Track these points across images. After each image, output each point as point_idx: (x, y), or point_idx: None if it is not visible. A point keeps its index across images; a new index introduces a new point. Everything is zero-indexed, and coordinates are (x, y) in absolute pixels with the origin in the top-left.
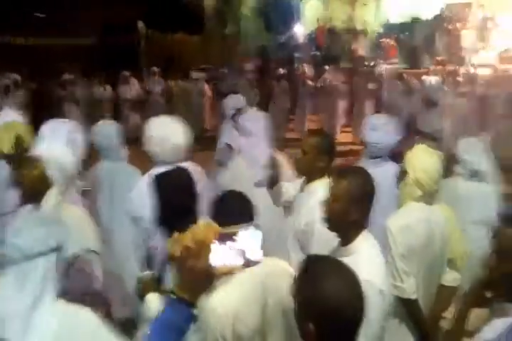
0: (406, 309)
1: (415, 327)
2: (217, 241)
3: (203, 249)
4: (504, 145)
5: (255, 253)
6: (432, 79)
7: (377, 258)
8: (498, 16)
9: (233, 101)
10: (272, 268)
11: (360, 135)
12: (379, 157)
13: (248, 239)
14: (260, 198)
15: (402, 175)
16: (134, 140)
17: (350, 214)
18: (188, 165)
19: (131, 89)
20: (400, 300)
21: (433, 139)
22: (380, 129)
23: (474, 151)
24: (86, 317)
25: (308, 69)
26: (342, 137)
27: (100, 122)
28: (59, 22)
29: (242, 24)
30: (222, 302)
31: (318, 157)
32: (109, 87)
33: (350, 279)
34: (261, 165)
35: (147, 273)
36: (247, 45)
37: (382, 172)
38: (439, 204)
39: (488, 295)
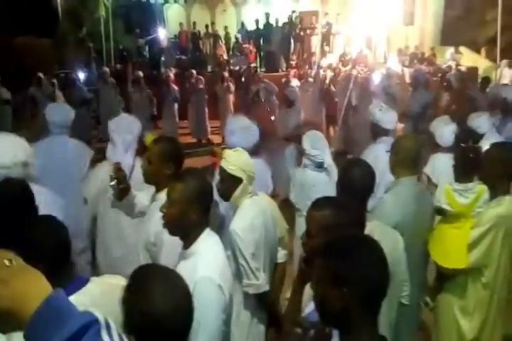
0: (260, 301)
1: (265, 316)
2: None
3: None
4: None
5: None
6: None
7: (217, 256)
8: (339, 23)
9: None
10: (103, 287)
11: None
12: None
13: None
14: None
15: (229, 186)
16: None
17: (188, 216)
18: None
19: None
20: (253, 295)
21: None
22: (236, 133)
23: (317, 145)
24: None
25: (172, 74)
26: (214, 138)
27: None
28: None
29: (99, 26)
30: None
31: (164, 165)
32: None
33: (175, 289)
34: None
35: None
36: (105, 48)
37: None
38: (260, 192)
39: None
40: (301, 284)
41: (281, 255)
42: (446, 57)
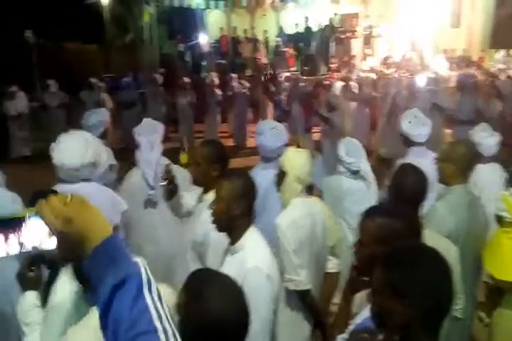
0: (302, 300)
1: (311, 316)
2: None
3: None
4: (387, 140)
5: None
6: (336, 85)
7: (264, 248)
8: (381, 26)
9: (95, 117)
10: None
11: None
12: (271, 159)
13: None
14: (154, 214)
15: (280, 177)
16: (22, 159)
17: (230, 212)
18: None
19: (18, 104)
20: (295, 292)
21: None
22: (266, 134)
23: (353, 152)
24: None
25: (215, 78)
26: (252, 142)
27: None
28: None
29: (144, 32)
30: None
31: (211, 166)
32: None
33: (236, 290)
34: (154, 178)
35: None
36: (150, 54)
37: (271, 174)
38: (314, 197)
39: (365, 278)
40: (351, 292)
41: (333, 264)
42: (496, 61)
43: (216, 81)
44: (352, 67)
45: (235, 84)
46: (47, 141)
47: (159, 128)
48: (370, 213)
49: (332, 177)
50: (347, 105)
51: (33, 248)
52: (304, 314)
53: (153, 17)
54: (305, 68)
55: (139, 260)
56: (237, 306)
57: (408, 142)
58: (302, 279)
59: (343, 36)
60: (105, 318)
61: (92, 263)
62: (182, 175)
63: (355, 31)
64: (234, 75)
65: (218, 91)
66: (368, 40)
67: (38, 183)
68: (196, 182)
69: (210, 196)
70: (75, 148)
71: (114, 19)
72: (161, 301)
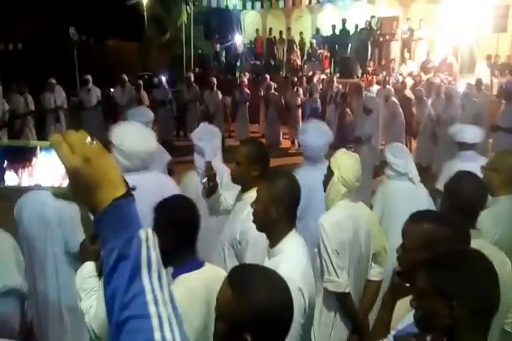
0: (340, 302)
1: (349, 320)
2: None
3: None
4: (424, 147)
5: (53, 178)
6: (371, 89)
7: (301, 258)
8: (422, 29)
9: (141, 115)
10: (213, 273)
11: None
12: (316, 159)
13: (49, 160)
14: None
15: (327, 177)
16: None
17: (270, 214)
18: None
19: (57, 97)
20: (334, 294)
21: (360, 143)
22: (311, 133)
23: (400, 155)
24: None
25: (247, 78)
26: (283, 143)
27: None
28: None
29: (181, 32)
30: None
31: (252, 166)
32: (28, 97)
33: (280, 285)
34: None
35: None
36: (186, 53)
37: (318, 175)
38: (360, 202)
39: (407, 284)
40: (393, 298)
41: (375, 272)
42: None
43: (246, 82)
44: (390, 71)
45: (267, 84)
46: None
47: (218, 132)
48: (415, 218)
49: (378, 179)
50: (382, 109)
51: (37, 185)
52: (341, 317)
53: (190, 17)
54: (340, 70)
55: (145, 233)
56: (282, 300)
57: (461, 146)
58: (342, 281)
59: (381, 39)
60: (104, 289)
61: (98, 224)
62: (224, 173)
63: (395, 34)
64: (267, 76)
65: (247, 92)
66: (407, 44)
67: None
68: (235, 180)
69: (249, 195)
70: (144, 135)
71: (154, 19)
72: (161, 283)
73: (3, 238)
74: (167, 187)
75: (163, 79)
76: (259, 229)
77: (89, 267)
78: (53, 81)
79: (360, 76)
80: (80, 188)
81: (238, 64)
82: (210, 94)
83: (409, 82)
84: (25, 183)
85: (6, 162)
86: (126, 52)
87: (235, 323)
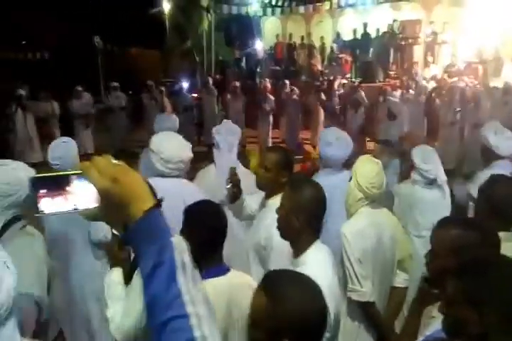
0: (364, 312)
1: (374, 329)
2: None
3: None
4: (448, 152)
5: (87, 201)
6: (394, 93)
7: (327, 270)
8: (446, 32)
9: (167, 124)
10: (237, 280)
11: (318, 149)
12: (334, 168)
13: (82, 186)
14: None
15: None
16: (85, 156)
17: (295, 224)
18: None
19: (84, 104)
20: (358, 303)
21: (389, 145)
22: (333, 144)
23: (429, 160)
24: None
25: (268, 84)
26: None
27: (56, 140)
28: (11, 35)
29: (202, 39)
30: None
31: (280, 173)
32: (56, 103)
33: (314, 290)
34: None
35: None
36: (207, 60)
37: (339, 180)
38: (384, 208)
39: (436, 291)
40: (421, 305)
41: (401, 279)
42: None
43: (269, 87)
44: (413, 75)
45: (287, 90)
46: (109, 140)
47: (237, 130)
48: (444, 224)
49: (403, 184)
50: (406, 113)
51: (75, 209)
52: (366, 326)
53: (211, 24)
54: (361, 75)
55: (177, 239)
56: (318, 305)
57: (493, 155)
58: (366, 290)
59: (403, 43)
60: (144, 294)
61: (131, 237)
62: (248, 178)
63: (418, 38)
64: (286, 81)
65: (271, 97)
66: (430, 47)
67: None
68: (262, 186)
69: (274, 201)
70: (181, 143)
71: (175, 27)
72: (196, 284)
73: (35, 245)
74: (190, 192)
75: (185, 85)
76: (283, 236)
77: (116, 274)
78: (80, 88)
79: (382, 80)
80: (112, 207)
81: (258, 70)
82: (233, 99)
83: (433, 86)
84: (62, 209)
85: (44, 191)
86: (148, 60)
87: (272, 330)
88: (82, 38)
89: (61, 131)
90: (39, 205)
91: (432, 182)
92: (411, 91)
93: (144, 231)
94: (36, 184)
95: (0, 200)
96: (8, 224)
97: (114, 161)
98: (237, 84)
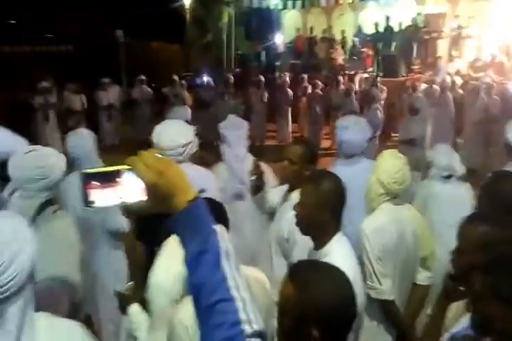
0: (383, 310)
1: (393, 327)
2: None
3: None
4: (475, 149)
5: (135, 194)
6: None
7: (351, 258)
8: (471, 26)
9: (180, 114)
10: (248, 276)
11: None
12: (353, 155)
13: (129, 180)
14: (240, 207)
15: None
16: (110, 147)
17: (315, 217)
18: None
19: (110, 95)
20: (377, 301)
21: (412, 144)
22: (350, 128)
23: (447, 156)
24: (71, 328)
25: (287, 78)
26: (323, 143)
27: (74, 131)
28: (35, 29)
29: (222, 33)
30: (190, 314)
31: (305, 166)
32: (82, 96)
33: (342, 279)
34: (243, 173)
35: (127, 285)
36: (227, 54)
37: (357, 170)
38: (407, 204)
39: (462, 288)
40: (446, 301)
41: (423, 277)
42: None
43: (288, 81)
44: (436, 70)
45: (306, 84)
46: (133, 132)
47: (244, 124)
48: (471, 220)
49: (423, 181)
50: (430, 109)
51: (123, 202)
52: (385, 324)
53: (231, 18)
54: (384, 69)
55: (219, 228)
56: (346, 294)
57: None
58: (385, 288)
59: (427, 37)
60: (189, 281)
61: (176, 226)
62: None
63: (442, 32)
64: (305, 76)
65: (289, 92)
66: (455, 42)
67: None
68: (284, 179)
69: (297, 195)
70: (178, 128)
71: (195, 20)
72: (238, 271)
73: (69, 230)
74: (203, 178)
75: (207, 79)
76: (304, 232)
77: (136, 311)
78: (106, 80)
79: (405, 75)
80: (158, 198)
81: (278, 63)
82: (256, 92)
83: (458, 81)
84: (111, 202)
85: (93, 185)
86: (168, 53)
87: (300, 319)
88: (104, 32)
89: (86, 123)
90: (89, 199)
91: (449, 178)
92: (434, 86)
93: (189, 220)
94: (86, 178)
95: (34, 183)
96: (42, 208)
97: (158, 156)
98: (259, 78)
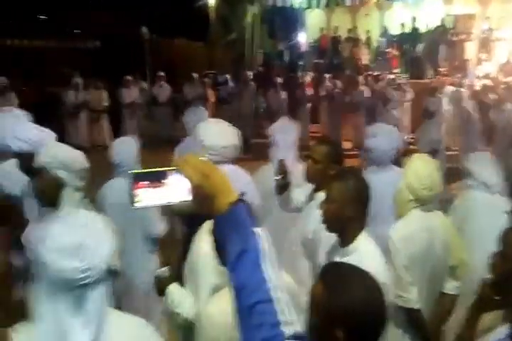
0: (409, 318)
1: (419, 336)
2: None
3: None
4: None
5: (181, 195)
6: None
7: (379, 253)
8: (502, 28)
9: (196, 115)
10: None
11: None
12: (382, 163)
13: (176, 181)
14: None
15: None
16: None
17: (343, 214)
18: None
19: (133, 93)
20: (403, 309)
21: (434, 155)
22: (379, 136)
23: (485, 165)
24: (140, 325)
25: (308, 77)
26: (344, 144)
27: (120, 139)
28: (60, 25)
29: (245, 31)
30: (219, 310)
31: (330, 165)
32: (105, 93)
33: (373, 284)
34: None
35: (163, 269)
36: (251, 52)
37: (385, 179)
38: (437, 211)
39: (497, 297)
40: (481, 310)
41: (452, 286)
42: None
43: (308, 81)
44: (464, 72)
45: (328, 84)
46: (155, 129)
47: (295, 127)
48: None
49: (461, 191)
50: (456, 113)
51: (169, 201)
52: (410, 333)
53: (255, 17)
54: (409, 71)
55: (260, 230)
56: (376, 299)
57: None
58: (411, 297)
59: (455, 38)
60: (231, 279)
61: (219, 227)
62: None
63: (471, 33)
64: (327, 75)
65: (310, 91)
66: (485, 44)
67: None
68: (309, 179)
69: (322, 194)
70: (225, 130)
71: (219, 19)
72: (276, 273)
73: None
74: (240, 179)
75: (228, 78)
76: (331, 229)
77: (175, 288)
78: (129, 77)
79: (431, 77)
80: (202, 199)
81: (301, 63)
82: (274, 93)
83: (487, 84)
84: (158, 202)
85: (141, 185)
86: (192, 51)
87: (327, 319)
88: (128, 29)
89: (109, 119)
90: (137, 198)
91: (487, 188)
92: (462, 89)
93: (231, 221)
94: (135, 178)
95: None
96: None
97: (202, 159)
98: (280, 78)
